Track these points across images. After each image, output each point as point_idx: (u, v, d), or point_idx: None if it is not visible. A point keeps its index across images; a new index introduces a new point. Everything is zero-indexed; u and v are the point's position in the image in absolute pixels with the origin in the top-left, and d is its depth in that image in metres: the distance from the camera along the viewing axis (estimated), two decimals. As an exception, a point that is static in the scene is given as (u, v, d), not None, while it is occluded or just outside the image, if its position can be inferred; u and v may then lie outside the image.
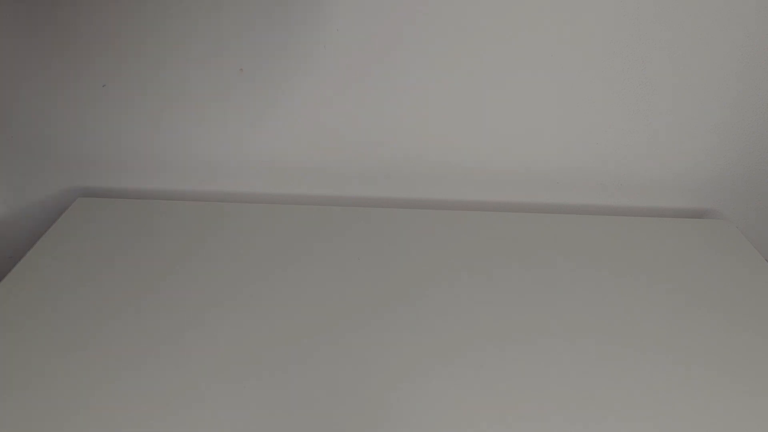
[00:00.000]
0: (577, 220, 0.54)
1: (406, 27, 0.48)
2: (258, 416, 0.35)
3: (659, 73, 0.50)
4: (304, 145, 0.54)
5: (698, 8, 0.47)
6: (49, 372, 0.37)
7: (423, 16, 0.48)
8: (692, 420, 0.35)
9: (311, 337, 0.40)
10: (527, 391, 0.36)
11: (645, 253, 0.50)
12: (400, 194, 0.57)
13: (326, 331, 0.41)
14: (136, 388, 0.36)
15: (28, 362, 0.38)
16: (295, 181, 0.57)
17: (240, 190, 0.57)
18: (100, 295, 0.43)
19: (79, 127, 0.53)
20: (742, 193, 0.56)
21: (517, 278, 0.46)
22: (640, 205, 0.57)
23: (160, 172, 0.56)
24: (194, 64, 0.49)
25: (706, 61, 0.50)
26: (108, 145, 0.54)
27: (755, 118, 0.52)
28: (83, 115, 0.52)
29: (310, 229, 0.51)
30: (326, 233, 0.51)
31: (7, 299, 0.43)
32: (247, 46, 0.49)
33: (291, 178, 0.57)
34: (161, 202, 0.54)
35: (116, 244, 0.49)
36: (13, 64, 0.50)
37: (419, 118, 0.52)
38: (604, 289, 0.45)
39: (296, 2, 0.47)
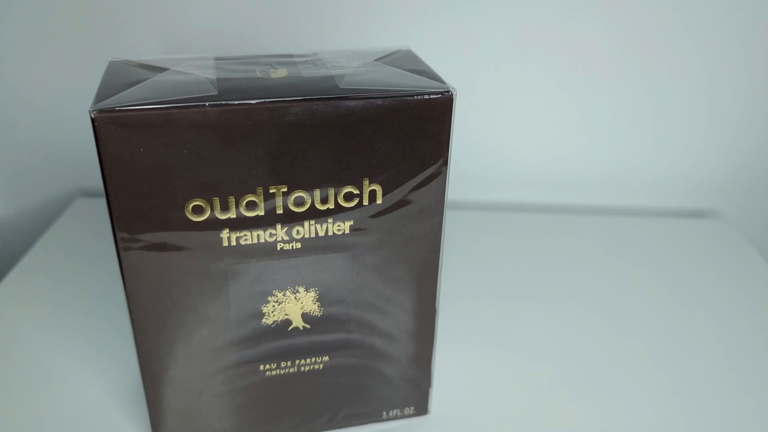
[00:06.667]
0: (576, 220, 0.54)
1: (404, 26, 0.48)
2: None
3: (660, 73, 0.50)
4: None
5: (700, 8, 0.47)
6: (49, 373, 0.37)
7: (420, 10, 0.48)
8: (691, 421, 0.35)
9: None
10: (521, 391, 0.36)
11: (644, 253, 0.50)
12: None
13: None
14: (138, 387, 0.36)
15: (27, 363, 0.38)
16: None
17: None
18: (100, 295, 0.43)
19: (79, 127, 0.53)
20: (742, 193, 0.56)
21: (515, 278, 0.46)
22: (640, 205, 0.57)
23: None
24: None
25: (707, 60, 0.50)
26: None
27: (756, 117, 0.52)
28: (84, 114, 0.52)
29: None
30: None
31: (6, 299, 0.43)
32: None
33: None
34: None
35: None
36: (13, 63, 0.50)
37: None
38: (603, 289, 0.45)
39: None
